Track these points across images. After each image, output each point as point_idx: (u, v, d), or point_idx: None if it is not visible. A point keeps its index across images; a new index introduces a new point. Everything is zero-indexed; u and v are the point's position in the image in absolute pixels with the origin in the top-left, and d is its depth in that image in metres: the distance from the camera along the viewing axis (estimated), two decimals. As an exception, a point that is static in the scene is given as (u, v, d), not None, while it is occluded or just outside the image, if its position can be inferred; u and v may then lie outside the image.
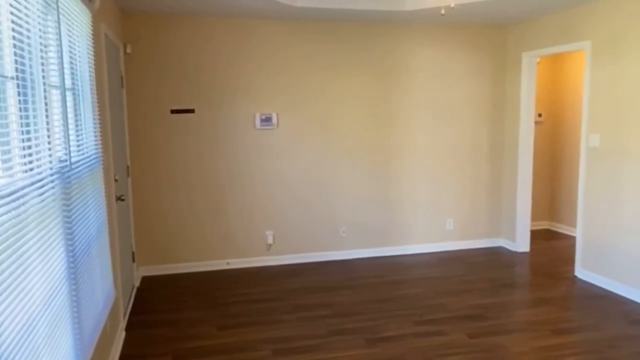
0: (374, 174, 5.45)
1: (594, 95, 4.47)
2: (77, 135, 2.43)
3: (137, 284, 4.73)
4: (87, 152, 2.62)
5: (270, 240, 5.24)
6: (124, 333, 3.60)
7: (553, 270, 4.95)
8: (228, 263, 5.18)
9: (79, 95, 2.51)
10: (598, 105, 4.44)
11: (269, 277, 4.88)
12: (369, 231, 5.51)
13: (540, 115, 6.47)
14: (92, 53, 2.91)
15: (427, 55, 5.43)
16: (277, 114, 5.12)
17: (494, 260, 5.34)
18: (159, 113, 4.87)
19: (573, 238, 5.99)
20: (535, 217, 6.54)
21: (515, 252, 5.59)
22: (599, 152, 4.45)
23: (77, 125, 2.42)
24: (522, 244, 5.61)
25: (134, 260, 4.69)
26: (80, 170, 2.40)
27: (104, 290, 2.87)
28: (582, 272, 4.70)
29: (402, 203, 5.56)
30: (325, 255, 5.41)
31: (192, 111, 4.92)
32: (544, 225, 6.71)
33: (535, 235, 6.29)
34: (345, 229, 5.44)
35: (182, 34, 4.83)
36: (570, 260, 5.20)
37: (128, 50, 4.68)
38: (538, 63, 6.17)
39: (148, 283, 4.76)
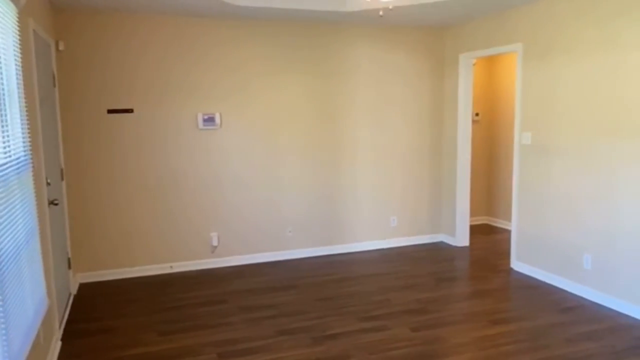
0: (319, 173, 5.48)
1: (525, 95, 4.70)
2: (2, 137, 2.30)
3: (74, 291, 4.53)
4: (13, 155, 2.48)
5: (215, 242, 5.16)
6: (59, 343, 3.43)
7: (490, 263, 5.16)
8: (171, 267, 5.05)
9: (3, 94, 2.37)
10: (529, 105, 4.66)
11: (214, 280, 4.80)
12: (315, 230, 5.54)
13: (477, 114, 6.72)
14: (19, 50, 2.76)
15: (369, 55, 5.52)
16: (221, 114, 5.05)
17: (435, 255, 5.50)
18: (95, 113, 4.68)
19: (509, 232, 6.27)
20: (474, 212, 6.80)
21: (456, 247, 5.78)
22: (531, 149, 4.68)
23: (1, 127, 2.29)
24: (461, 238, 5.81)
25: (70, 267, 4.49)
26: (5, 174, 2.26)
27: (35, 299, 2.73)
28: (517, 264, 4.93)
29: (347, 202, 5.63)
30: (271, 255, 5.39)
31: (130, 111, 4.77)
32: (482, 220, 6.98)
33: (475, 230, 6.53)
34: (291, 228, 5.44)
35: (120, 31, 4.66)
36: (507, 253, 5.44)
37: (61, 47, 4.47)
38: (474, 64, 6.41)
39: (86, 290, 4.57)
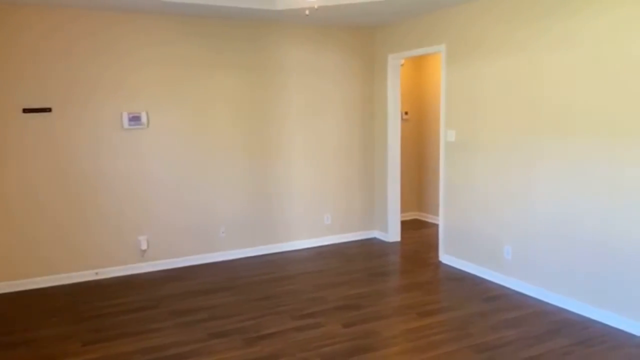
0: (251, 172, 5.43)
1: (449, 95, 4.89)
2: None
3: (-12, 303, 4.22)
4: None
5: (144, 246, 4.98)
6: (-30, 360, 3.19)
7: (420, 257, 5.33)
8: (97, 273, 4.83)
9: None
10: (453, 104, 4.86)
11: (143, 285, 4.64)
12: (249, 230, 5.49)
13: (406, 113, 6.92)
14: None
15: (301, 54, 5.53)
16: (147, 113, 4.88)
17: (368, 251, 5.61)
18: (9, 112, 4.38)
19: (438, 226, 6.49)
20: (405, 208, 7.00)
21: (388, 243, 5.93)
22: (455, 146, 4.88)
23: None
24: (393, 234, 5.97)
25: (-17, 278, 4.18)
26: None
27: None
28: (445, 257, 5.12)
29: (281, 201, 5.61)
30: (204, 257, 5.28)
31: (48, 110, 4.50)
32: (413, 215, 7.20)
33: (406, 225, 6.72)
34: (224, 229, 5.35)
35: (37, 24, 4.39)
36: (436, 247, 5.64)
37: (-33, 42, 4.15)
38: (403, 64, 6.59)
39: (4, 302, 4.27)
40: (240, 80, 5.26)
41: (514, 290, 4.30)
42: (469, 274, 4.77)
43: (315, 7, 2.78)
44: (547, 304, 4.00)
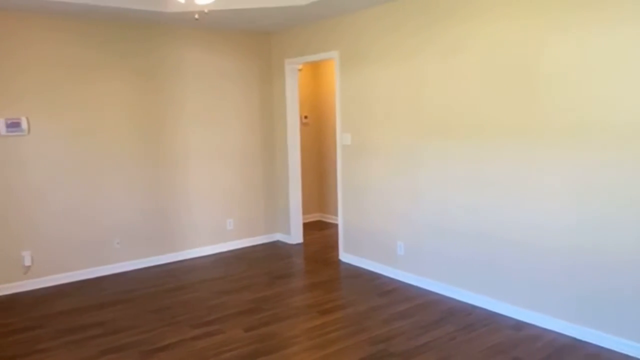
0: (148, 180, 5.24)
1: (344, 99, 5.08)
2: None
3: None
4: None
5: (27, 262, 4.62)
6: None
7: (321, 257, 5.47)
8: (-27, 294, 4.40)
9: None
10: (348, 108, 5.05)
11: (28, 304, 4.30)
12: (147, 240, 5.29)
13: (306, 117, 7.06)
14: None
15: (198, 58, 5.44)
16: (28, 119, 4.54)
17: (271, 254, 5.65)
18: None
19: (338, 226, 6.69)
20: (308, 210, 7.13)
21: (291, 245, 6.01)
22: (351, 149, 5.07)
23: None
24: (296, 236, 6.06)
25: None
26: None
27: None
28: (344, 255, 5.30)
29: (180, 208, 5.48)
30: (97, 270, 5.01)
31: None
32: (316, 217, 7.36)
33: (309, 226, 6.85)
34: (119, 240, 5.12)
35: None
36: (336, 246, 5.82)
37: None
38: (300, 69, 6.72)
39: None
40: (133, 84, 5.07)
41: (406, 284, 4.56)
42: (366, 270, 4.97)
43: (205, 10, 2.77)
44: (436, 294, 4.29)
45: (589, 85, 3.18)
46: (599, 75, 3.13)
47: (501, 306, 3.85)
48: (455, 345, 3.35)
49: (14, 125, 4.46)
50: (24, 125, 4.51)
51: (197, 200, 5.60)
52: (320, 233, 6.59)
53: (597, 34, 3.11)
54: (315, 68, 7.08)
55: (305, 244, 6.06)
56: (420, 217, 4.41)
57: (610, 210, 3.15)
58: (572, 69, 3.25)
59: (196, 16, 2.80)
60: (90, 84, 4.83)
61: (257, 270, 5.09)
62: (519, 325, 3.62)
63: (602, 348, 3.25)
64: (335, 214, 7.05)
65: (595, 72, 3.14)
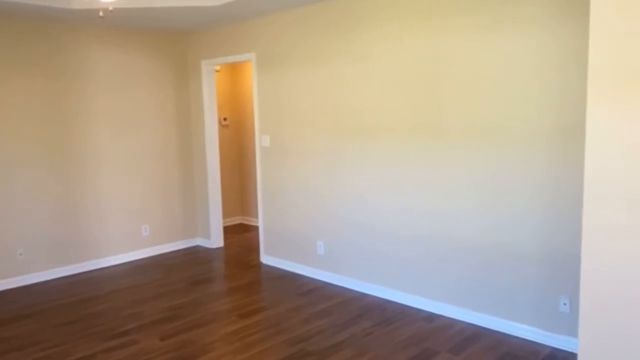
0: (55, 185, 4.93)
1: (262, 101, 5.07)
2: None
3: None
4: None
5: None
6: None
7: (243, 260, 5.43)
8: None
9: None
10: (266, 110, 5.05)
11: None
12: (55, 249, 4.98)
13: (225, 119, 6.97)
14: None
15: (109, 58, 5.20)
16: None
17: (190, 259, 5.53)
18: None
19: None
20: (229, 213, 7.04)
21: (211, 249, 5.91)
22: (270, 150, 5.08)
23: None
24: (216, 240, 5.97)
25: None
26: None
27: None
28: (265, 257, 5.30)
29: (90, 215, 5.21)
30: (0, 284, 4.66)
31: None
32: (237, 220, 7.28)
33: (230, 230, 6.77)
34: (22, 251, 4.78)
35: None
36: (257, 249, 5.79)
37: None
38: (218, 70, 6.63)
39: None
40: (38, 85, 4.75)
41: (326, 283, 4.64)
42: (287, 271, 5.00)
43: (110, 8, 2.66)
44: (354, 291, 4.40)
45: (484, 86, 3.41)
46: (494, 77, 3.36)
47: (414, 300, 4.02)
48: (371, 340, 3.46)
49: None
50: None
51: (110, 205, 5.35)
52: (242, 236, 6.53)
53: (491, 37, 3.35)
54: (235, 70, 7.01)
55: (226, 247, 5.98)
56: (338, 216, 4.51)
57: (516, 210, 3.40)
58: (469, 70, 3.47)
59: (100, 14, 2.69)
60: (-15, 84, 4.47)
61: (175, 276, 4.96)
62: (431, 317, 3.81)
63: (505, 335, 3.50)
64: (257, 217, 7.00)
65: (491, 74, 3.38)
